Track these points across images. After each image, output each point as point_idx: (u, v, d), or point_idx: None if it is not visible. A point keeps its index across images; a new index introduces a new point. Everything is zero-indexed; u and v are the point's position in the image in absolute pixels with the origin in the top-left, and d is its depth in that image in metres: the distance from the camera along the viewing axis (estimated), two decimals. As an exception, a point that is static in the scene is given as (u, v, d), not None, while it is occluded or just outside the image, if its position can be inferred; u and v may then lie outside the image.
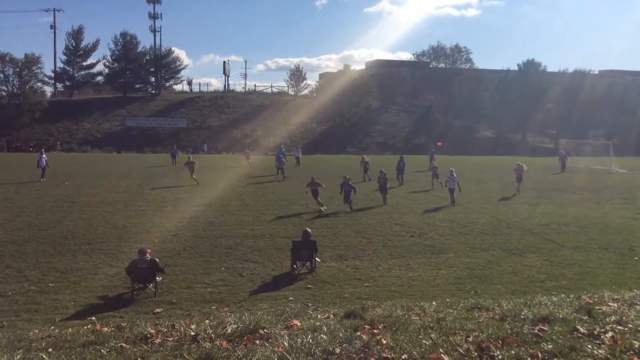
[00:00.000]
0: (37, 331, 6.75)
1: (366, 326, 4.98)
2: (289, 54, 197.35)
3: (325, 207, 21.73)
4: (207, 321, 5.98)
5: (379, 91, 75.49)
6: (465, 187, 24.92)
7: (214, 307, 10.84)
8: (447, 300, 7.82)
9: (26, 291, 11.78)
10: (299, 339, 4.26)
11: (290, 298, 11.50)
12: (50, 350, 4.71)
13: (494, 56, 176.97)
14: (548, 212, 22.21)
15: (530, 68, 76.06)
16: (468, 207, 23.02)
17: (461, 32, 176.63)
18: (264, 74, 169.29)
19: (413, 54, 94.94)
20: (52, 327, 7.89)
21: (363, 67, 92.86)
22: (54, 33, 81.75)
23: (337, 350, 3.97)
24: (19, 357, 4.21)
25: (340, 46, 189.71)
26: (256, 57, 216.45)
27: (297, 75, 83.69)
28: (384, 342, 4.19)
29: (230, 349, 4.17)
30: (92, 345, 4.90)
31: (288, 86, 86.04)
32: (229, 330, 4.98)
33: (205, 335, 4.86)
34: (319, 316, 5.97)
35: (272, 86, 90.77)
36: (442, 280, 13.21)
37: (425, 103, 78.00)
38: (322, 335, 4.44)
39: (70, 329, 6.59)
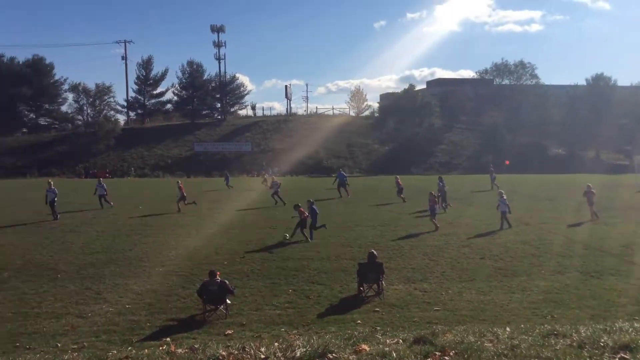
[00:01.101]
0: (115, 352, 7.04)
1: (437, 353, 4.92)
2: (349, 76, 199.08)
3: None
4: (276, 344, 6.06)
5: (442, 110, 74.60)
6: (537, 207, 24.12)
7: (283, 330, 10.94)
8: (522, 326, 7.56)
9: (105, 312, 12.29)
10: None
11: (358, 321, 11.45)
12: (130, 371, 4.90)
13: (559, 71, 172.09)
14: (627, 232, 21.15)
15: (599, 82, 73.19)
16: (541, 228, 22.26)
17: (525, 48, 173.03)
18: (325, 97, 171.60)
19: (476, 72, 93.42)
20: (130, 348, 8.20)
21: (424, 86, 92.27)
22: (125, 64, 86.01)
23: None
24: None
25: (401, 66, 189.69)
26: (317, 80, 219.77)
27: (357, 96, 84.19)
28: (457, 369, 4.13)
29: (301, 373, 4.21)
30: (169, 366, 5.07)
31: (349, 108, 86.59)
32: (298, 354, 5.04)
33: (275, 359, 4.93)
34: (387, 341, 5.93)
35: (333, 108, 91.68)
36: (516, 305, 12.79)
37: (490, 121, 76.31)
38: (391, 360, 4.42)
39: (146, 350, 6.81)
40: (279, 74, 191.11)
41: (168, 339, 9.95)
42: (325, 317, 11.99)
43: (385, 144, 73.37)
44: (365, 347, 5.44)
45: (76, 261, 17.10)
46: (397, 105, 72.57)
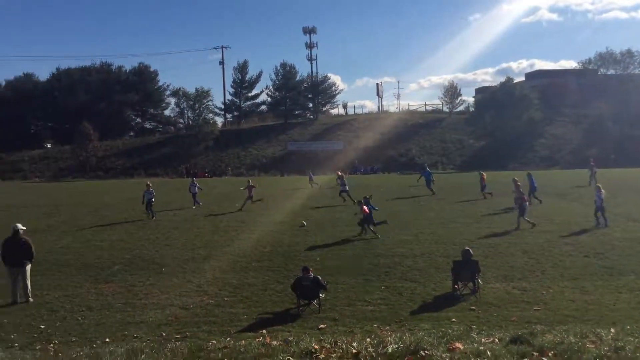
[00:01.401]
0: (215, 342, 7.36)
1: (534, 353, 4.72)
2: (442, 72, 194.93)
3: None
4: (368, 339, 6.07)
5: (542, 103, 71.19)
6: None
7: (376, 326, 10.92)
8: (627, 327, 7.08)
9: (205, 305, 12.86)
10: (462, 361, 4.17)
11: (453, 319, 11.20)
12: (225, 360, 5.10)
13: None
14: None
15: None
16: (652, 225, 20.71)
17: (632, 35, 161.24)
18: (417, 93, 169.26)
19: (578, 62, 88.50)
20: (228, 339, 8.53)
21: (523, 78, 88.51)
22: (223, 68, 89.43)
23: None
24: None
25: (497, 59, 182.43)
26: (409, 77, 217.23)
27: (451, 91, 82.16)
28: (555, 369, 3.95)
29: (392, 367, 4.19)
30: (262, 357, 5.23)
31: (442, 103, 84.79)
32: (390, 350, 5.02)
33: (367, 354, 4.94)
34: (483, 340, 5.77)
35: (425, 104, 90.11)
36: (624, 305, 11.97)
37: (595, 112, 71.85)
38: None
39: (243, 341, 7.08)
40: (371, 72, 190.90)
41: (264, 332, 10.25)
42: (419, 314, 11.84)
43: (481, 140, 71.17)
44: (459, 345, 5.33)
45: (179, 256, 18.03)
46: (493, 99, 70.06)
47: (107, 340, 10.40)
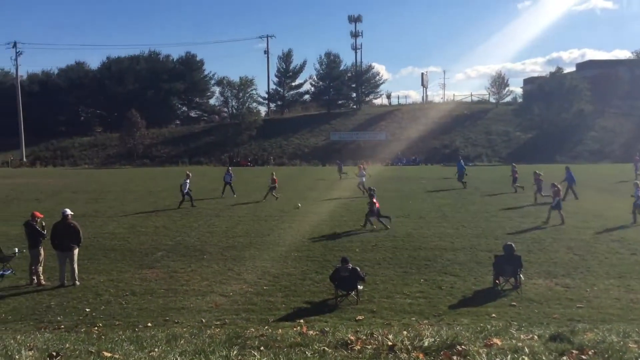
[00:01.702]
0: (253, 330, 7.46)
1: (574, 351, 4.60)
2: (489, 61, 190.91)
3: None
4: (405, 332, 6.04)
5: (593, 94, 68.91)
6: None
7: (414, 319, 10.85)
8: (676, 328, 6.82)
9: (244, 292, 13.04)
10: (497, 359, 4.10)
11: (493, 315, 11.02)
12: (262, 348, 5.16)
13: None
14: None
15: None
16: None
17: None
18: (463, 83, 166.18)
19: (632, 52, 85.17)
20: (266, 327, 8.64)
21: (574, 68, 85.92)
22: (267, 57, 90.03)
23: (540, 375, 3.73)
24: (235, 352, 4.68)
25: (547, 48, 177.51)
26: (455, 66, 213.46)
27: (498, 82, 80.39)
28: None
29: (426, 362, 4.16)
30: (298, 346, 5.26)
31: (489, 94, 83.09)
32: (426, 344, 4.98)
33: (402, 347, 4.91)
34: (522, 336, 5.65)
35: (471, 95, 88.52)
36: (672, 306, 11.56)
37: (650, 105, 69.23)
38: (523, 357, 4.22)
39: (280, 330, 7.14)
40: (416, 62, 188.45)
41: (301, 321, 10.32)
42: (458, 308, 11.70)
43: (528, 131, 69.52)
44: (497, 341, 5.25)
45: (220, 243, 18.32)
46: (542, 90, 68.23)
47: (149, 324, 10.68)
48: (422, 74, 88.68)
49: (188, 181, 27.06)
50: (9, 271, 14.82)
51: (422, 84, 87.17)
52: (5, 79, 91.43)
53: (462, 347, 4.81)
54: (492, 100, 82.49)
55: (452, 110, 78.72)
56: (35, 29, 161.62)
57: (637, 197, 20.09)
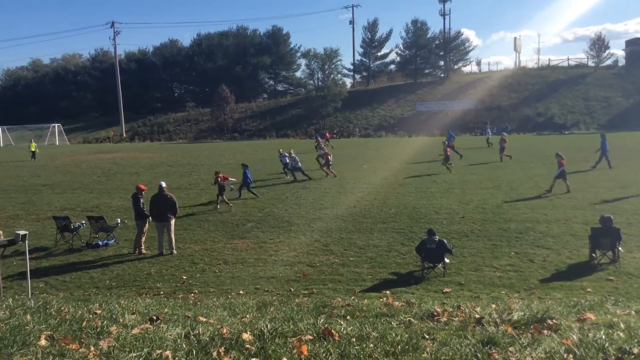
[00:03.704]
0: (339, 299, 7.60)
1: (677, 328, 4.33)
2: (588, 22, 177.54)
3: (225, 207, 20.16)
4: (493, 305, 5.94)
5: None
6: None
7: (503, 292, 10.61)
8: None
9: (331, 263, 13.27)
10: (590, 334, 3.95)
11: (588, 289, 10.56)
12: (347, 317, 5.26)
13: None
14: None
15: None
16: None
17: None
18: (559, 47, 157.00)
19: None
20: (352, 297, 8.77)
21: (685, 26, 78.63)
22: (353, 27, 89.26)
23: (635, 351, 3.56)
24: (322, 320, 4.81)
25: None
26: (550, 29, 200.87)
27: (598, 44, 75.08)
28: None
29: (514, 335, 4.08)
30: (384, 316, 5.32)
31: (587, 58, 77.91)
32: (515, 317, 4.88)
33: (490, 320, 4.85)
34: (617, 311, 5.40)
35: (568, 59, 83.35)
36: None
37: None
38: (618, 332, 4.03)
39: (366, 300, 7.24)
40: (508, 26, 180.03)
41: (387, 292, 10.37)
42: (551, 282, 11.29)
43: (630, 97, 64.79)
44: (590, 315, 5.05)
45: (307, 215, 18.67)
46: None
47: (241, 292, 11.15)
48: (515, 38, 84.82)
49: (297, 157, 27.71)
50: (113, 240, 15.93)
51: (515, 49, 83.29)
52: (105, 58, 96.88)
53: (553, 321, 4.67)
54: (590, 64, 77.29)
55: (547, 75, 74.73)
56: (131, 8, 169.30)
57: None
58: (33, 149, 45.82)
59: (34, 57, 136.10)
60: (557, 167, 21.00)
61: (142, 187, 15.47)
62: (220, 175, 20.39)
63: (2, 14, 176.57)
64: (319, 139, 39.16)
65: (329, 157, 28.13)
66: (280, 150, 29.93)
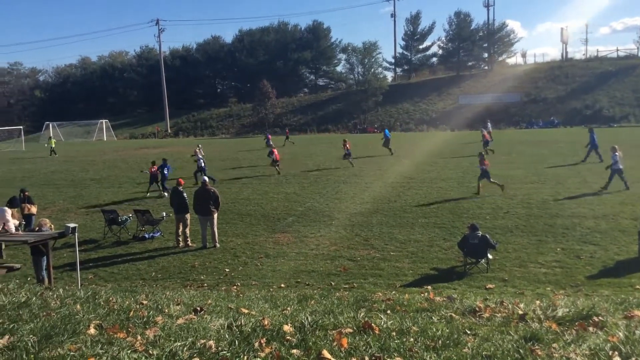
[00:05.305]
0: (380, 294, 7.60)
1: None
2: (639, 12, 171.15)
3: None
4: (537, 302, 5.85)
5: None
6: None
7: (549, 289, 10.42)
8: None
9: (372, 258, 13.26)
10: (637, 331, 3.85)
11: (637, 287, 10.25)
12: (388, 312, 5.26)
13: None
14: None
15: None
16: None
17: None
18: (608, 38, 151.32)
19: None
20: (393, 292, 8.76)
21: None
22: (394, 20, 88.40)
23: (685, 350, 3.44)
24: (362, 314, 4.82)
25: None
26: (599, 19, 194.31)
27: (650, 34, 72.27)
28: None
29: (558, 332, 4.01)
30: (425, 311, 5.29)
31: (637, 48, 75.11)
32: (560, 314, 4.79)
33: (534, 316, 4.76)
34: (667, 310, 5.23)
35: (617, 50, 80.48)
36: None
37: None
38: (667, 330, 3.91)
39: (407, 295, 7.23)
40: (554, 16, 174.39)
41: (428, 287, 10.32)
42: (598, 279, 11.01)
43: (685, 88, 62.24)
44: (638, 313, 4.91)
45: (347, 209, 18.68)
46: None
47: (282, 285, 11.28)
48: (562, 28, 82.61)
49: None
50: (158, 233, 16.33)
51: (562, 40, 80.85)
52: (150, 55, 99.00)
53: (599, 318, 4.56)
54: (642, 54, 74.60)
55: (595, 67, 72.42)
56: (175, 6, 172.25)
57: None
58: (52, 145, 48.62)
59: (83, 55, 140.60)
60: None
61: (181, 181, 15.89)
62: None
63: (52, 14, 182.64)
64: (269, 135, 43.98)
65: (275, 152, 29.00)
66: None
